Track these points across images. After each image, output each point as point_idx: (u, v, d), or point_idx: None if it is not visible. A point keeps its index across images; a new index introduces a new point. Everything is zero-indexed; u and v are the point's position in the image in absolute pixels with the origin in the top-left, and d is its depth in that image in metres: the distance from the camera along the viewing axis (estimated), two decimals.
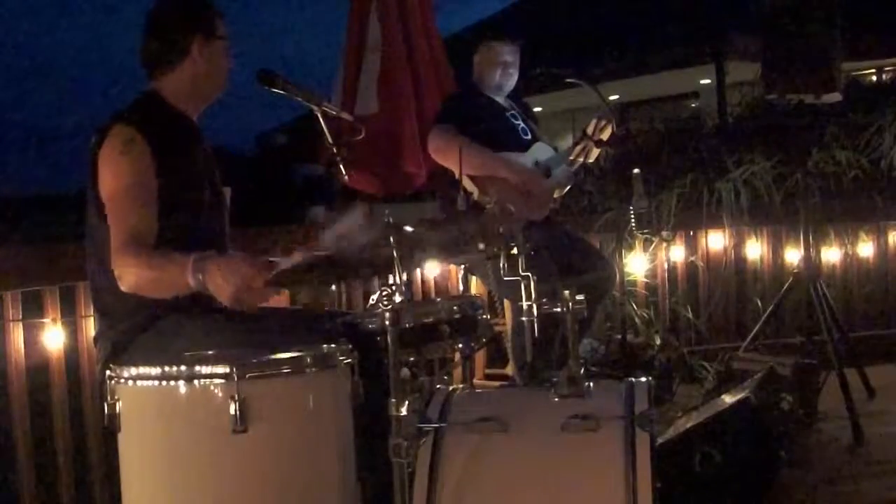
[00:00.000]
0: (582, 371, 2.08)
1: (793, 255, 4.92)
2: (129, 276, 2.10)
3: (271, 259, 2.03)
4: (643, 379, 2.09)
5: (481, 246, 2.14)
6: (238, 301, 1.98)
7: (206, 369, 1.85)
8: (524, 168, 3.63)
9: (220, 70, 2.40)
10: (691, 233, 5.07)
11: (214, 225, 2.38)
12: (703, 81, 11.58)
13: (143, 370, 1.90)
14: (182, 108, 2.37)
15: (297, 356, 1.92)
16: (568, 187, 3.84)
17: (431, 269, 4.19)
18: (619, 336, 4.24)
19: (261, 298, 2.07)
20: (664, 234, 4.52)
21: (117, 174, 2.17)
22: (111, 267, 2.13)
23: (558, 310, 2.09)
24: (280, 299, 3.34)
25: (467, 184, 3.41)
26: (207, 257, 2.01)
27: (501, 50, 3.76)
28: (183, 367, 1.86)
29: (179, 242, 2.14)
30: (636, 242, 4.79)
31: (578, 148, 3.64)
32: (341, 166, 2.72)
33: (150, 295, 2.13)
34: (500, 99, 3.81)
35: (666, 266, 5.02)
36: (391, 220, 1.86)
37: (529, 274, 2.09)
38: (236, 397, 1.81)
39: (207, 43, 2.34)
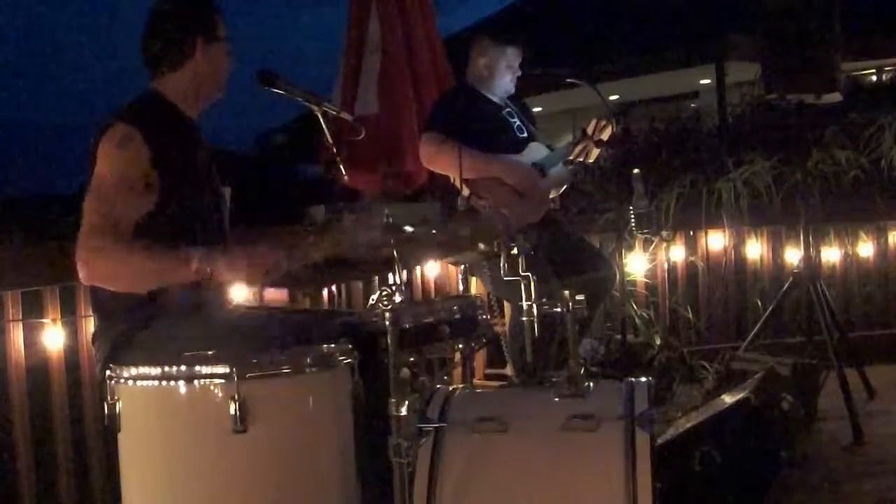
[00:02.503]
0: (582, 371, 2.08)
1: (793, 255, 4.91)
2: (98, 261, 2.06)
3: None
4: (643, 379, 2.09)
5: (481, 246, 2.14)
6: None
7: (206, 369, 1.85)
8: (520, 167, 3.60)
9: (221, 71, 2.41)
10: (691, 233, 5.07)
11: (214, 225, 2.38)
12: (703, 81, 11.58)
13: (142, 370, 1.90)
14: (183, 108, 2.38)
15: (297, 356, 1.93)
16: (564, 187, 3.83)
17: (431, 269, 4.19)
18: (619, 336, 4.24)
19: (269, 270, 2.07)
20: (664, 234, 4.52)
21: (110, 163, 2.16)
22: (77, 252, 2.08)
23: (558, 310, 2.09)
24: (280, 299, 3.34)
25: (463, 189, 3.41)
26: (214, 254, 2.04)
27: (514, 54, 3.73)
28: (183, 367, 1.86)
29: (179, 242, 2.13)
30: (636, 242, 4.79)
31: (578, 148, 3.63)
32: (341, 166, 2.72)
33: (112, 287, 2.12)
34: (496, 98, 3.78)
35: (666, 266, 5.02)
36: (391, 220, 1.86)
37: (529, 274, 2.09)
38: (236, 397, 1.81)
39: (209, 44, 2.35)
